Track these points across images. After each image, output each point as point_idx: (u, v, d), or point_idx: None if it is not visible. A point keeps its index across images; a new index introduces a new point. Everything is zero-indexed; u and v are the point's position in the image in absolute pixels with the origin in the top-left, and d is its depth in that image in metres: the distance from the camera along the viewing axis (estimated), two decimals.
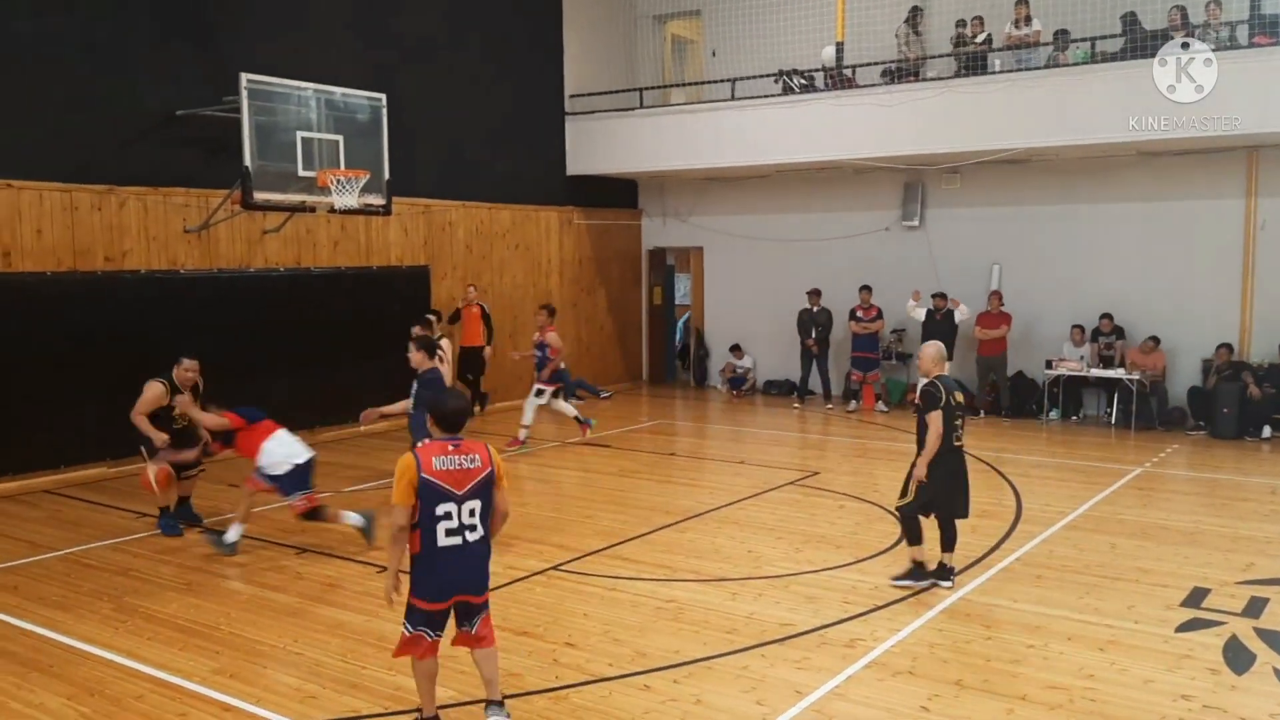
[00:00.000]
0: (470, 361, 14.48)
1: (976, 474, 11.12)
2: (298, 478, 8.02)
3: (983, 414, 14.71)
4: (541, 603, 6.94)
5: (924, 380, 7.25)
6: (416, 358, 8.21)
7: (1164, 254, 14.04)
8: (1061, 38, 13.44)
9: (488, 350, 14.63)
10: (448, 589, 4.72)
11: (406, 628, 4.78)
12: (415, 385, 8.25)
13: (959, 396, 7.09)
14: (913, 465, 7.09)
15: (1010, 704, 5.30)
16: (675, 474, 11.56)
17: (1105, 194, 14.40)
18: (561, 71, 16.74)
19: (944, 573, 7.17)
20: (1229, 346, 13.35)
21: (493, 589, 5.12)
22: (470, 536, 4.69)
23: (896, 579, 7.21)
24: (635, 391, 18.02)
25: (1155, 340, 13.76)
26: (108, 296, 10.79)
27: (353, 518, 8.20)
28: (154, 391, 8.38)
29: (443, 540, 4.63)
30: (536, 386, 12.40)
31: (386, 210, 12.02)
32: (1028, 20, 13.89)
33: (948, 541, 7.19)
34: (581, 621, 6.56)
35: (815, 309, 15.75)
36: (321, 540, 8.50)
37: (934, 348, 7.30)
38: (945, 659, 5.92)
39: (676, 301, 19.72)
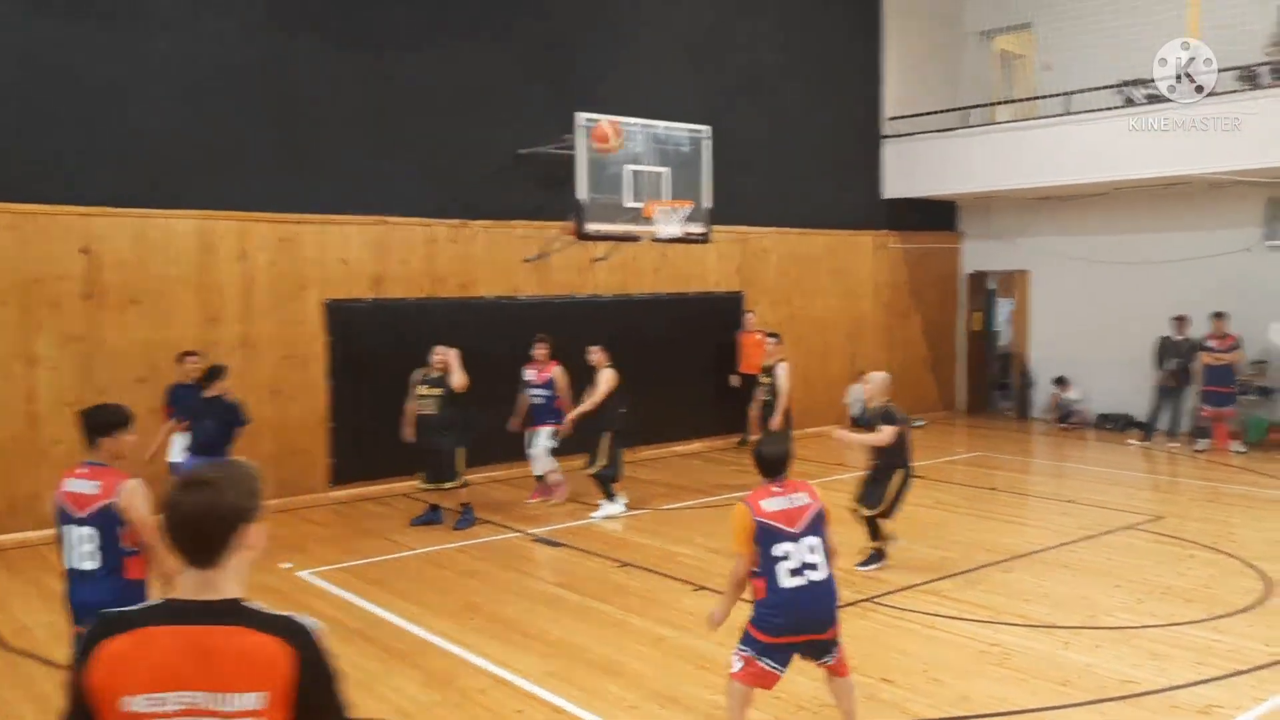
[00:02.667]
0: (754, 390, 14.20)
1: None
2: None
3: None
4: (857, 634, 6.80)
5: (878, 404, 8.21)
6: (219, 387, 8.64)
7: None
8: None
9: None
10: (793, 627, 4.71)
11: (742, 651, 4.77)
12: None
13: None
14: (887, 479, 8.08)
15: None
16: (996, 510, 10.99)
17: None
18: (879, 94, 16.54)
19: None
20: None
21: None
22: (813, 575, 4.67)
23: (862, 565, 8.22)
24: (950, 421, 17.31)
25: None
26: (459, 320, 11.88)
27: None
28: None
29: (786, 581, 4.64)
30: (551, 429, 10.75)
31: (706, 238, 12.38)
32: None
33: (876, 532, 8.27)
34: (899, 658, 6.39)
35: (1179, 337, 14.37)
36: (643, 557, 8.87)
37: (881, 377, 8.38)
38: None
39: (996, 328, 18.74)
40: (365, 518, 10.56)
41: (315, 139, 11.02)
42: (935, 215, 17.52)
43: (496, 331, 12.07)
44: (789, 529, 4.66)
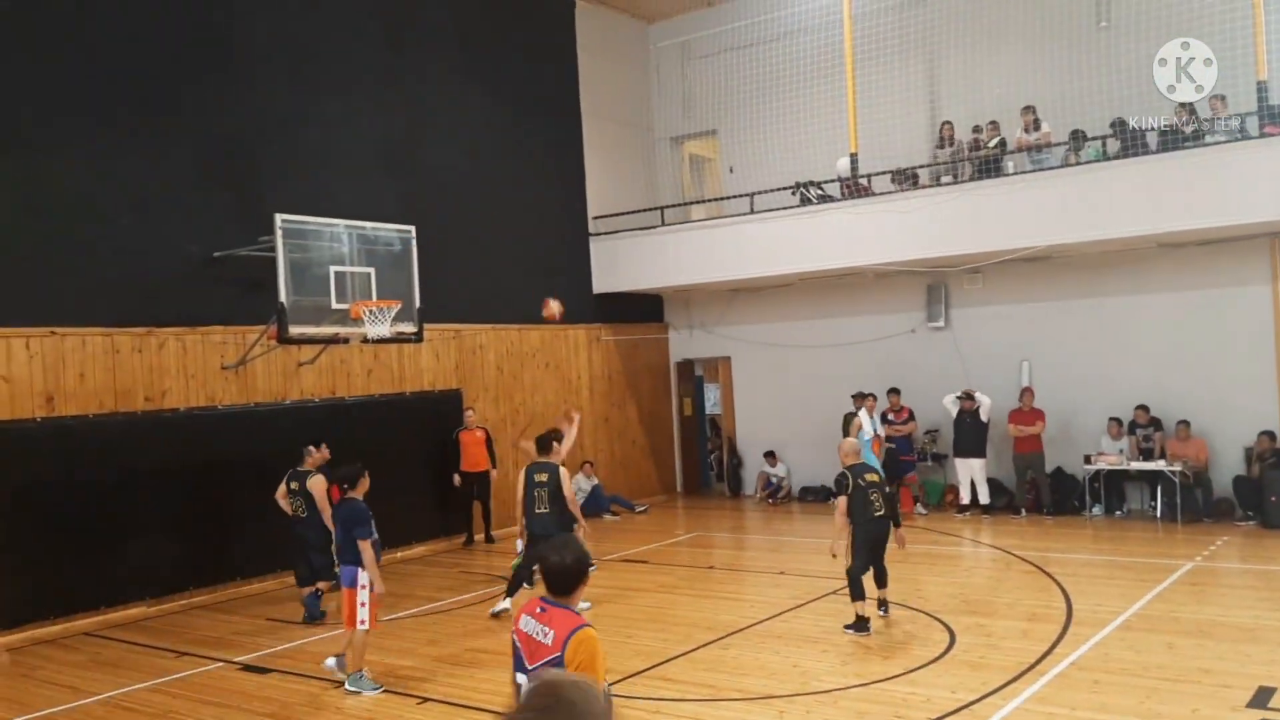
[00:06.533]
0: (477, 487, 14.24)
1: (1023, 575, 10.94)
2: None
3: (1024, 513, 14.47)
4: None
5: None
6: None
7: (1194, 343, 13.96)
8: (1078, 137, 13.63)
9: (493, 474, 14.30)
10: None
11: None
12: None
13: (870, 477, 8.94)
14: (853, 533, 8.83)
15: None
16: (715, 588, 11.40)
17: (1130, 286, 14.42)
18: (584, 194, 17.23)
19: (881, 605, 9.17)
20: (1271, 434, 13.12)
21: None
22: None
23: (848, 626, 8.78)
24: (671, 504, 17.90)
25: (1186, 424, 13.56)
26: (148, 435, 10.98)
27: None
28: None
29: None
30: None
31: (419, 338, 12.25)
32: (1036, 125, 14.16)
33: (882, 580, 9.17)
34: None
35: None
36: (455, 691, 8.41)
37: (848, 443, 9.31)
38: None
39: (707, 411, 19.76)
40: (43, 664, 9.32)
41: None
42: (643, 308, 18.33)
43: (193, 444, 11.26)
44: (525, 660, 3.87)
